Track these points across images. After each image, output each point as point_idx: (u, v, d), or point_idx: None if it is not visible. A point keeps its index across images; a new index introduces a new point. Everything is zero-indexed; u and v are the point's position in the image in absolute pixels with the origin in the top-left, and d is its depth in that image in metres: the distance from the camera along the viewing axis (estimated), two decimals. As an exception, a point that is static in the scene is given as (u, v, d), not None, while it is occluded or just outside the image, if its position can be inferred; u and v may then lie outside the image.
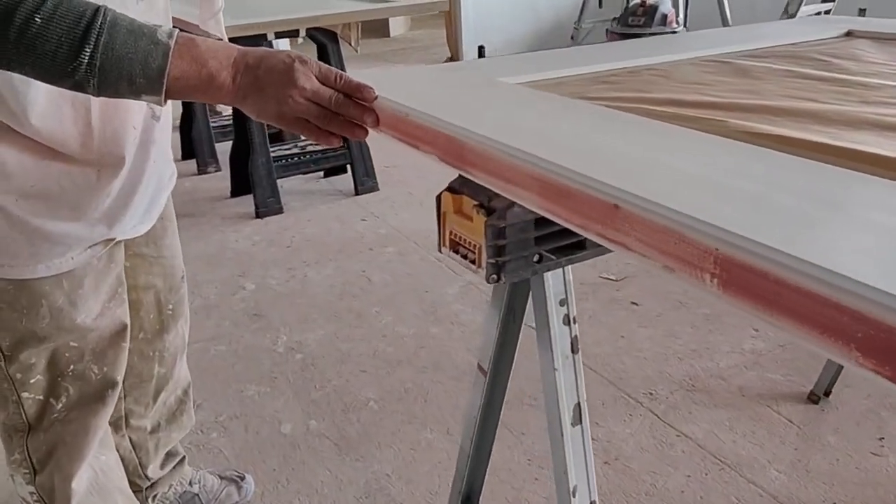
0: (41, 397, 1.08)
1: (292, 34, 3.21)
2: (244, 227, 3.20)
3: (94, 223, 1.03)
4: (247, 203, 3.35)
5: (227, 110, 4.08)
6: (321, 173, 3.70)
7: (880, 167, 0.68)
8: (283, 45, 3.73)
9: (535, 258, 0.91)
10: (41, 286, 1.01)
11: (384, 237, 3.04)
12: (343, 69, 3.26)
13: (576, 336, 0.99)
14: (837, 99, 0.94)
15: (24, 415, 1.09)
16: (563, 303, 0.98)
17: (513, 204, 0.84)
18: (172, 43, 0.79)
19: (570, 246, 0.93)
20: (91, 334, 1.08)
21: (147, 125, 1.06)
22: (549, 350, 0.98)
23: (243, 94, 0.83)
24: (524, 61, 1.31)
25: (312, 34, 3.24)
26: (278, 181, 3.31)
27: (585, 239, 0.91)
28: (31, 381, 1.06)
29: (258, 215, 3.26)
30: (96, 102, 0.95)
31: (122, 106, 0.99)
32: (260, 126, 3.17)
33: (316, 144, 3.41)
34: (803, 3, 3.63)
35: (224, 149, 3.68)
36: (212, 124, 3.87)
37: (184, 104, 3.78)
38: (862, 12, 4.77)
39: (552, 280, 0.96)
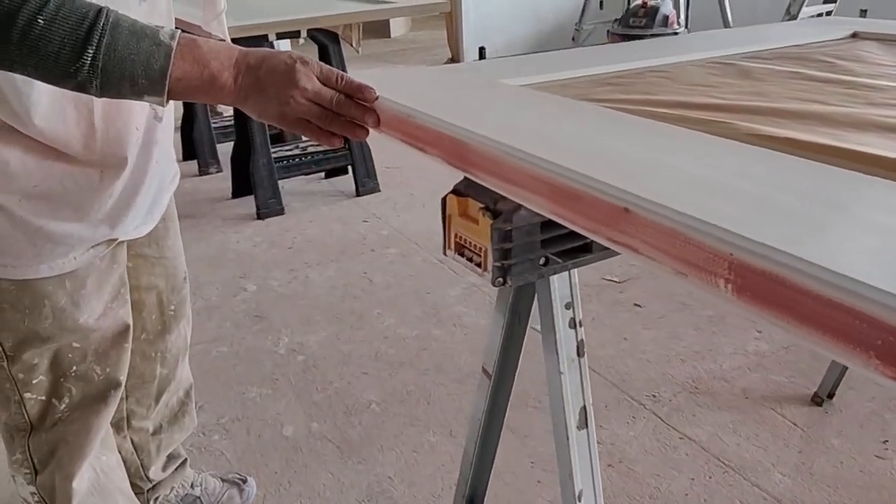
0: (43, 398, 1.08)
1: (293, 35, 3.20)
2: (245, 228, 3.19)
3: (97, 224, 1.03)
4: (248, 204, 3.35)
5: (228, 111, 4.07)
6: (322, 174, 3.69)
7: (889, 169, 0.67)
8: (284, 45, 3.72)
9: (542, 261, 0.91)
10: (44, 286, 1.01)
11: (386, 238, 3.03)
12: (344, 70, 3.26)
13: (581, 339, 0.99)
14: (843, 101, 0.94)
15: (26, 415, 1.09)
16: (568, 306, 0.97)
17: (519, 207, 0.83)
18: (174, 44, 0.79)
19: (576, 249, 0.93)
20: (94, 335, 1.08)
21: (149, 126, 1.06)
22: (555, 353, 0.97)
23: (245, 95, 0.84)
24: (527, 63, 1.30)
25: (313, 35, 3.23)
26: (279, 182, 3.30)
27: (592, 242, 0.91)
28: (34, 381, 1.06)
29: (259, 216, 3.26)
30: (99, 103, 0.95)
31: (124, 107, 0.99)
32: (261, 127, 3.17)
33: (317, 145, 3.42)
34: (805, 3, 3.62)
35: (225, 149, 3.68)
36: (213, 125, 3.86)
37: (185, 105, 3.77)
38: (863, 13, 4.77)
39: (558, 283, 0.96)
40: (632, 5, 4.88)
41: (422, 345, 2.26)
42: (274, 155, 3.27)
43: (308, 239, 3.06)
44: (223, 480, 1.65)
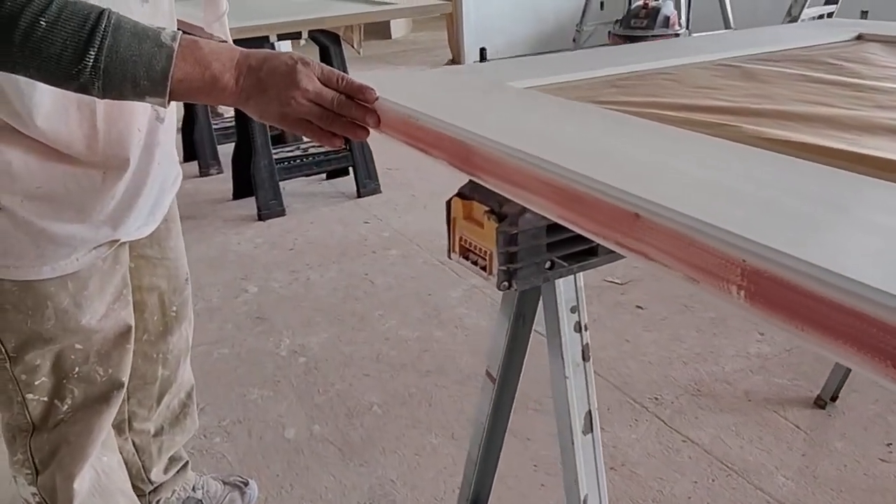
0: (45, 398, 1.09)
1: (294, 36, 3.20)
2: (246, 229, 3.19)
3: (99, 225, 1.03)
4: (249, 205, 3.34)
5: (229, 112, 4.07)
6: (323, 175, 3.69)
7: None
8: (285, 47, 3.72)
9: (547, 265, 0.90)
10: (46, 287, 1.01)
11: (387, 240, 3.02)
12: (345, 71, 3.26)
13: (587, 343, 0.98)
14: (851, 104, 0.93)
15: (28, 416, 1.09)
16: (574, 310, 0.97)
17: (524, 210, 0.83)
18: (176, 45, 0.80)
19: (582, 252, 0.92)
20: (96, 336, 1.09)
21: (152, 127, 1.06)
22: (560, 357, 0.97)
23: (246, 96, 0.84)
24: (531, 65, 1.29)
25: (315, 36, 3.23)
26: (280, 183, 3.29)
27: (598, 245, 0.90)
28: (36, 382, 1.06)
29: (260, 217, 3.25)
30: (101, 104, 0.96)
31: (126, 108, 0.99)
32: (262, 128, 3.17)
33: (318, 146, 3.41)
34: (806, 5, 3.62)
35: (226, 151, 3.67)
36: (214, 126, 3.86)
37: (186, 106, 3.77)
38: (864, 14, 4.77)
39: (563, 287, 0.95)
40: (633, 6, 4.87)
41: (423, 346, 2.25)
42: (275, 156, 3.27)
43: (309, 240, 3.06)
44: (225, 483, 1.65)
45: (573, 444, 0.99)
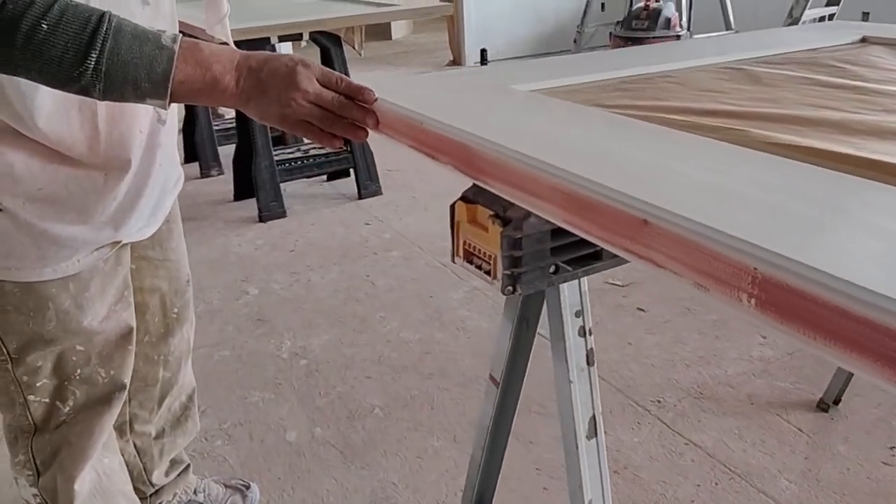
0: (47, 400, 1.09)
1: (295, 38, 3.19)
2: (247, 231, 3.18)
3: (101, 226, 1.03)
4: (250, 207, 3.33)
5: (229, 113, 4.07)
6: (324, 177, 3.69)
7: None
8: (285, 48, 3.72)
9: (552, 269, 0.90)
10: (48, 289, 1.01)
11: (388, 241, 3.02)
12: (346, 72, 3.26)
13: (591, 348, 0.98)
14: (858, 108, 0.93)
15: (30, 417, 1.09)
16: (578, 314, 0.96)
17: (529, 214, 0.83)
18: (177, 47, 0.81)
19: (586, 256, 0.92)
20: (97, 337, 1.09)
21: (153, 129, 1.06)
22: (565, 362, 0.96)
23: (247, 97, 0.85)
24: (535, 68, 1.29)
25: (316, 37, 3.23)
26: (281, 185, 3.29)
27: (602, 249, 0.90)
28: (38, 384, 1.07)
29: (261, 219, 3.25)
30: (103, 106, 0.96)
31: (128, 110, 0.99)
32: (263, 129, 3.16)
33: (319, 148, 3.41)
34: (807, 7, 3.62)
35: (227, 152, 3.67)
36: (214, 127, 3.85)
37: (186, 107, 3.76)
38: (865, 16, 4.76)
39: (568, 291, 0.95)
40: (634, 8, 4.87)
41: (425, 349, 2.24)
42: (276, 157, 3.27)
43: (310, 242, 3.05)
44: (226, 486, 1.65)
45: (577, 448, 0.98)
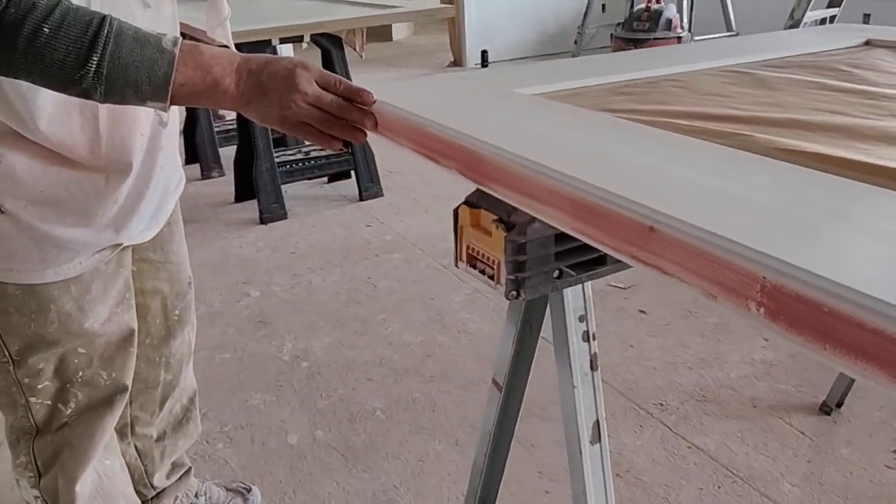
0: (49, 402, 1.09)
1: (296, 40, 3.19)
2: (248, 233, 3.18)
3: (102, 229, 1.03)
4: (251, 209, 3.33)
5: (230, 115, 4.07)
6: (325, 179, 3.68)
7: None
8: (286, 50, 3.71)
9: (556, 274, 0.89)
10: (50, 291, 1.01)
11: (389, 243, 3.02)
12: (348, 74, 3.25)
13: (595, 353, 0.97)
14: (866, 112, 0.92)
15: (32, 419, 1.10)
16: (582, 319, 0.96)
17: (533, 219, 0.82)
18: (177, 50, 0.81)
19: (590, 261, 0.91)
20: (99, 339, 1.09)
21: (154, 131, 1.07)
22: (568, 367, 0.96)
23: (247, 100, 0.86)
24: (538, 71, 1.28)
25: (317, 39, 3.22)
26: (282, 187, 3.28)
27: (606, 254, 0.89)
28: (39, 386, 1.07)
29: (262, 221, 3.24)
30: (104, 109, 0.96)
31: (129, 112, 1.00)
32: (264, 131, 3.16)
33: (320, 149, 3.40)
34: (809, 8, 3.61)
35: (228, 154, 3.66)
36: (215, 129, 3.85)
37: (187, 109, 3.76)
38: (867, 18, 4.76)
39: (571, 296, 0.94)
40: (635, 9, 4.87)
41: (426, 351, 2.24)
42: (277, 159, 3.26)
43: (311, 244, 3.05)
44: (227, 489, 1.64)
45: (581, 454, 0.98)
